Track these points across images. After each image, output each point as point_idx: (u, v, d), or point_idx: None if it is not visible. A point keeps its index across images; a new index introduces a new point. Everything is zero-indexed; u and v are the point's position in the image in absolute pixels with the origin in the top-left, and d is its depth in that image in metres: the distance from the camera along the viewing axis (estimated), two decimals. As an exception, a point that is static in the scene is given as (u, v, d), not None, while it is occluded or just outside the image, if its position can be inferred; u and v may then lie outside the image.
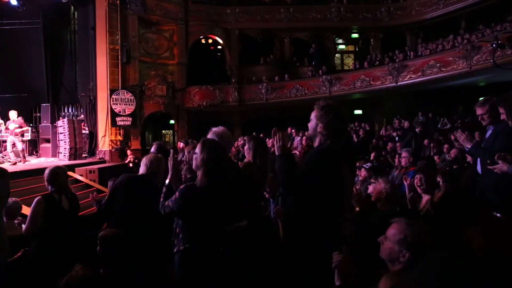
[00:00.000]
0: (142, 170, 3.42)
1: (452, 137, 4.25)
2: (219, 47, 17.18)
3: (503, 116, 3.09)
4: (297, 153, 7.76)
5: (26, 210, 4.28)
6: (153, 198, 2.75)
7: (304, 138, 9.81)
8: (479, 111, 3.49)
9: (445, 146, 7.65)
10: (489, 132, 3.50)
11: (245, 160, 3.23)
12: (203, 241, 2.39)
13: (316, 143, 2.47)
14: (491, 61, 11.05)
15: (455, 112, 13.38)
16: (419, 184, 3.47)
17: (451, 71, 12.38)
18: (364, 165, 5.32)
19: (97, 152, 13.14)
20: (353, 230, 2.45)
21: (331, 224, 2.27)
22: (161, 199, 2.49)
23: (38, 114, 13.60)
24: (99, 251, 2.22)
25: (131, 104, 13.60)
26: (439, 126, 12.30)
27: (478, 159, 3.50)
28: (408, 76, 13.47)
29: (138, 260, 2.44)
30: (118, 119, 13.35)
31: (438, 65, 12.66)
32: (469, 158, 5.48)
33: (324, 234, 2.20)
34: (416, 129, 10.57)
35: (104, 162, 12.29)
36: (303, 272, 2.23)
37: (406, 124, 11.75)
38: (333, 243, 1.88)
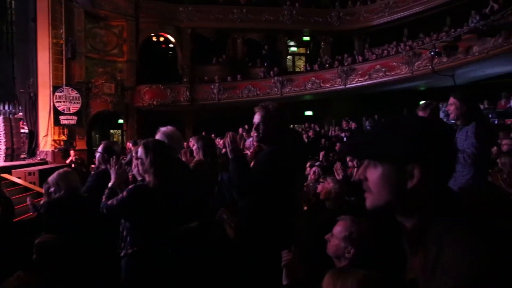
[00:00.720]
0: (56, 195, 2.89)
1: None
2: (171, 45, 16.83)
3: (450, 107, 3.21)
4: (249, 153, 7.77)
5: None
6: (84, 215, 2.72)
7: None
8: (421, 115, 3.69)
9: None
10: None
11: (195, 159, 3.18)
12: (152, 244, 2.31)
13: (267, 145, 2.48)
14: (430, 67, 11.84)
15: (399, 114, 14.13)
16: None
17: (395, 76, 13.09)
18: (314, 164, 5.45)
19: (38, 152, 12.35)
20: (303, 229, 2.49)
21: (285, 224, 2.30)
22: (103, 199, 2.37)
23: (-31, 111, 12.53)
24: (35, 259, 2.07)
25: (77, 102, 12.95)
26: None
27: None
28: (356, 79, 14.05)
29: (79, 267, 2.30)
30: (61, 117, 12.65)
31: (383, 69, 13.33)
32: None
33: (278, 234, 2.21)
34: None
35: (46, 163, 11.57)
36: (254, 272, 2.23)
37: (353, 125, 12.23)
38: (287, 243, 1.90)
